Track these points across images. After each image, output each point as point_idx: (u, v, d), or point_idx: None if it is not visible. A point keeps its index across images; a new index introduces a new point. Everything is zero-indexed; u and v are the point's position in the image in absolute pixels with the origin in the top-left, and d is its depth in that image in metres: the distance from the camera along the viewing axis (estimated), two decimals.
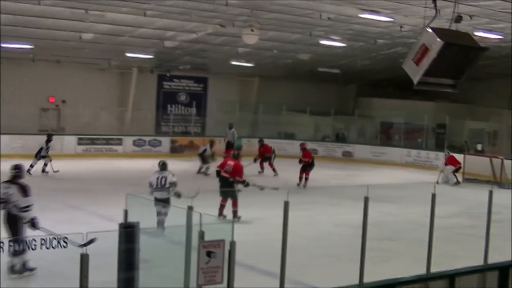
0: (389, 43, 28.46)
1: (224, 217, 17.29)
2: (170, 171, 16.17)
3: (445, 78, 9.97)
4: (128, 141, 34.77)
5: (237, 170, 18.47)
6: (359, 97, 44.07)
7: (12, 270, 11.30)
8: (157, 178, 15.78)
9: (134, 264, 8.19)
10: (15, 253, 10.34)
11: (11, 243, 7.02)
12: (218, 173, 18.95)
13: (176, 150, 35.72)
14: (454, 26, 14.66)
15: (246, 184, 18.50)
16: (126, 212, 8.60)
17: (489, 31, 23.35)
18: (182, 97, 39.19)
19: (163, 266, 9.27)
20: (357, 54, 33.03)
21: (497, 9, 19.54)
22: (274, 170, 29.02)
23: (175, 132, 38.17)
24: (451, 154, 30.01)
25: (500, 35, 24.46)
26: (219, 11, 22.88)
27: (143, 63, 34.63)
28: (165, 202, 14.92)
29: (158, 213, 13.98)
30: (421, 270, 10.77)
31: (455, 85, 10.08)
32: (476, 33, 22.84)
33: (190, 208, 8.28)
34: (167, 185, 15.62)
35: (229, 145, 32.94)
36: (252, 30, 23.79)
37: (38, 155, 25.75)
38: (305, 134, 38.69)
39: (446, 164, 29.73)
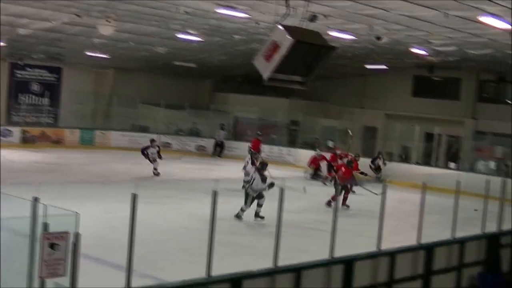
0: (245, 39, 28.66)
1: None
2: None
3: (295, 75, 10.11)
4: None
5: None
6: (215, 92, 44.21)
7: None
8: None
9: None
10: None
11: None
12: None
13: (27, 141, 34.79)
14: (309, 25, 14.95)
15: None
16: None
17: (343, 31, 23.89)
18: (35, 87, 38.09)
19: (6, 258, 9.00)
20: (213, 49, 33.11)
21: (351, 10, 20.00)
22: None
23: (27, 122, 37.04)
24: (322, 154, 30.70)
25: (353, 36, 25.09)
26: (75, 0, 22.37)
27: None
28: None
29: None
30: (269, 264, 10.91)
31: (304, 82, 10.23)
32: (330, 33, 23.39)
33: (35, 200, 8.10)
34: None
35: (220, 146, 36.45)
36: (108, 21, 23.46)
37: None
38: (160, 127, 38.57)
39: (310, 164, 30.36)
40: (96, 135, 36.53)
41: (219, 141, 36.95)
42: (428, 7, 17.83)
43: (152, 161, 27.18)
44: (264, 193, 18.86)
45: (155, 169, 27.07)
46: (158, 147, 27.96)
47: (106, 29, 23.86)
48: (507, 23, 17.69)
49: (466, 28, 21.04)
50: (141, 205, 8.85)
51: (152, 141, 27.95)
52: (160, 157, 27.21)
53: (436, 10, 17.97)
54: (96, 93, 39.57)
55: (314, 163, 30.84)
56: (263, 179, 18.88)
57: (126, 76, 39.96)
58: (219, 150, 36.77)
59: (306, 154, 32.59)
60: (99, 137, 36.65)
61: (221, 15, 22.77)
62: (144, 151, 27.42)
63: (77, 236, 7.93)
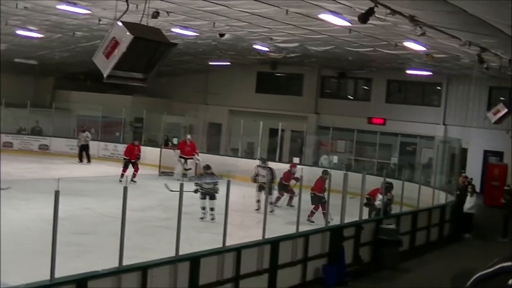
0: (87, 35, 28.20)
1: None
2: None
3: (135, 72, 10.04)
4: None
5: None
6: (57, 90, 43.33)
7: None
8: None
9: None
10: None
11: None
12: None
13: None
14: (151, 22, 14.86)
15: None
16: None
17: (186, 27, 23.92)
18: None
19: None
20: (55, 46, 32.41)
21: (193, 7, 20.04)
22: None
23: None
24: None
25: (196, 32, 25.17)
26: None
27: None
28: None
29: None
30: (115, 264, 10.80)
31: (145, 79, 10.17)
32: (173, 29, 23.38)
33: None
34: None
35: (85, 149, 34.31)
36: None
37: None
38: (1, 126, 37.33)
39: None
40: None
41: (83, 145, 34.94)
42: (269, 4, 18.08)
43: None
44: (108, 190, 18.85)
45: None
46: None
47: None
48: (346, 20, 18.19)
49: (307, 25, 21.49)
50: None
51: None
52: None
53: (277, 7, 18.25)
54: None
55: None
56: None
57: None
58: (85, 154, 34.60)
59: (152, 152, 32.40)
60: None
61: (62, 11, 22.29)
62: None
63: None
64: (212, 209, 19.84)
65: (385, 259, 17.71)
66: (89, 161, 33.99)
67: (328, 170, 20.92)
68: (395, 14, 15.44)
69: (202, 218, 19.82)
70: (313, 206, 20.80)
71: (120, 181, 24.21)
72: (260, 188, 22.02)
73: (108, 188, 22.58)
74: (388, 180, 20.36)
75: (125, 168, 27.99)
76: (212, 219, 19.54)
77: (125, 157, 28.88)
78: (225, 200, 13.04)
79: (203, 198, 20.04)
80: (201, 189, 20.09)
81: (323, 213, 19.20)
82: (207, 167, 21.37)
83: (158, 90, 38.98)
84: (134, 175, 27.12)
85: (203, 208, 20.02)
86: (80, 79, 42.63)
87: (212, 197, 19.74)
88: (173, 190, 15.98)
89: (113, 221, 16.35)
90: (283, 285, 14.40)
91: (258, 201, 21.88)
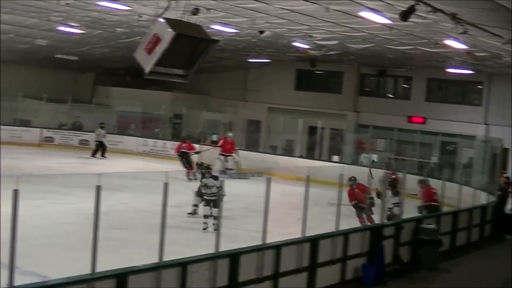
0: (127, 32, 28.33)
1: None
2: None
3: (176, 68, 10.05)
4: None
5: None
6: (97, 86, 43.60)
7: None
8: None
9: None
10: None
11: None
12: None
13: None
14: (192, 19, 14.87)
15: None
16: None
17: (225, 24, 23.92)
18: None
19: None
20: (95, 42, 32.61)
21: (233, 4, 20.03)
22: None
23: None
24: None
25: (236, 29, 25.16)
26: None
27: None
28: None
29: None
30: (153, 259, 10.81)
31: (186, 75, 10.19)
32: (213, 26, 23.38)
33: None
34: None
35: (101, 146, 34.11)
36: None
37: None
38: (42, 121, 37.74)
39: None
40: None
41: (99, 140, 35.23)
42: (309, 2, 18.01)
43: None
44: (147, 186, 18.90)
45: None
46: None
47: None
48: (387, 18, 18.06)
49: (346, 22, 21.37)
50: (22, 201, 8.62)
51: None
52: None
53: (317, 4, 18.17)
54: None
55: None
56: None
57: (6, 69, 38.82)
58: (101, 150, 34.81)
59: None
60: None
61: (102, 7, 22.43)
62: None
63: None
64: (215, 217, 16.61)
65: (425, 259, 17.53)
66: (104, 155, 34.10)
67: (355, 176, 19.50)
68: (436, 11, 15.29)
69: (205, 229, 17.56)
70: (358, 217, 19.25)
71: (190, 179, 25.37)
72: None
73: (146, 183, 22.67)
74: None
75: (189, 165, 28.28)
76: (215, 229, 15.83)
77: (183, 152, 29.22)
78: (265, 197, 12.98)
79: (207, 205, 17.94)
80: (206, 195, 18.18)
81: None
82: (207, 168, 19.70)
83: (198, 87, 39.01)
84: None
85: (206, 217, 17.86)
86: (120, 75, 42.87)
87: (216, 205, 16.82)
88: None
89: (151, 217, 16.45)
90: (322, 283, 14.32)
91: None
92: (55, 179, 24.24)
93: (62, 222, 17.29)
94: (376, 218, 17.57)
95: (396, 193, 18.31)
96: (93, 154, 33.59)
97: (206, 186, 18.14)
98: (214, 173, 19.38)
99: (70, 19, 26.22)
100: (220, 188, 16.94)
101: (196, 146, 30.40)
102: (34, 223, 15.60)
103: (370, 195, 18.59)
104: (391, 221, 17.49)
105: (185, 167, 27.67)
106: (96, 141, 34.01)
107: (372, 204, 18.79)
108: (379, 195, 18.12)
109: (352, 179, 19.25)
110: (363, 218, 18.86)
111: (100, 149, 33.87)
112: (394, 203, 18.17)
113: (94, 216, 9.76)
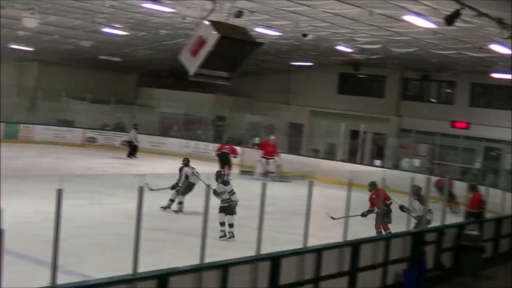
0: (171, 34, 28.46)
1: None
2: None
3: (220, 70, 10.09)
4: None
5: None
6: (140, 87, 43.91)
7: None
8: None
9: None
10: None
11: None
12: None
13: None
14: (235, 21, 14.91)
15: None
16: None
17: (269, 27, 23.92)
18: None
19: None
20: (139, 44, 32.82)
21: (276, 7, 20.05)
22: None
23: None
24: None
25: (279, 32, 25.16)
26: None
27: None
28: None
29: None
30: (194, 261, 10.82)
31: (229, 78, 10.22)
32: (256, 29, 23.40)
33: None
34: None
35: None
36: (32, 13, 23.00)
37: None
38: (85, 122, 38.10)
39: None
40: (20, 129, 35.80)
41: (128, 141, 35.00)
42: (353, 5, 17.96)
43: None
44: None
45: None
46: None
47: (30, 22, 23.35)
48: (431, 22, 17.94)
49: (390, 26, 21.27)
50: (64, 200, 8.68)
51: None
52: None
53: (361, 8, 18.12)
54: (19, 86, 38.72)
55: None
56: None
57: (50, 70, 39.36)
58: (133, 151, 35.13)
59: None
60: (23, 131, 35.92)
61: (146, 10, 22.57)
62: None
63: (0, 232, 7.73)
64: (230, 225, 16.99)
65: (467, 265, 17.34)
66: (135, 156, 34.20)
67: (376, 181, 18.47)
68: (481, 16, 15.15)
69: (221, 237, 16.73)
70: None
71: None
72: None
73: None
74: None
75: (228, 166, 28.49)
76: (230, 237, 16.83)
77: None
78: (307, 201, 12.94)
79: (221, 211, 16.99)
80: (223, 202, 17.17)
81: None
82: (220, 174, 18.37)
83: (240, 89, 39.08)
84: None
85: (222, 224, 16.99)
86: (163, 77, 43.12)
87: (231, 212, 17.01)
88: (153, 189, 16.34)
89: (191, 218, 16.51)
90: None
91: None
92: (98, 179, 24.44)
93: (103, 222, 17.43)
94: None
95: (421, 201, 17.74)
96: (128, 155, 33.89)
97: (215, 192, 16.69)
98: (227, 178, 18.76)
99: (115, 21, 26.43)
100: (232, 193, 17.23)
101: (238, 149, 30.43)
102: (76, 223, 15.73)
103: (389, 202, 18.11)
104: (433, 226, 17.32)
105: (222, 168, 27.72)
106: (126, 141, 34.28)
107: (389, 210, 18.28)
108: (402, 208, 17.59)
109: (372, 184, 18.65)
110: (378, 224, 18.13)
111: (132, 150, 34.06)
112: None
113: (136, 216, 9.80)
